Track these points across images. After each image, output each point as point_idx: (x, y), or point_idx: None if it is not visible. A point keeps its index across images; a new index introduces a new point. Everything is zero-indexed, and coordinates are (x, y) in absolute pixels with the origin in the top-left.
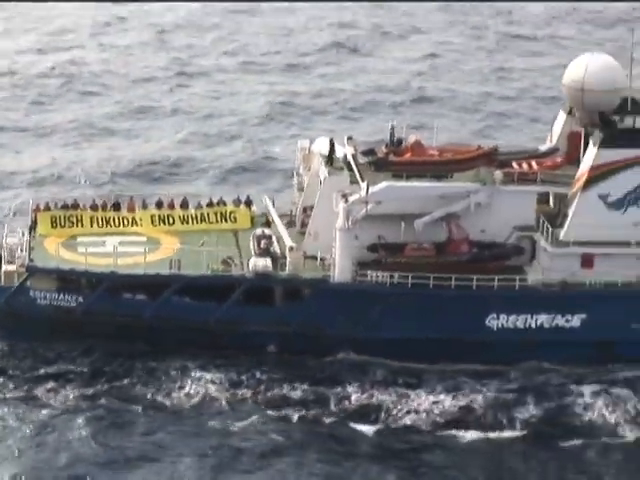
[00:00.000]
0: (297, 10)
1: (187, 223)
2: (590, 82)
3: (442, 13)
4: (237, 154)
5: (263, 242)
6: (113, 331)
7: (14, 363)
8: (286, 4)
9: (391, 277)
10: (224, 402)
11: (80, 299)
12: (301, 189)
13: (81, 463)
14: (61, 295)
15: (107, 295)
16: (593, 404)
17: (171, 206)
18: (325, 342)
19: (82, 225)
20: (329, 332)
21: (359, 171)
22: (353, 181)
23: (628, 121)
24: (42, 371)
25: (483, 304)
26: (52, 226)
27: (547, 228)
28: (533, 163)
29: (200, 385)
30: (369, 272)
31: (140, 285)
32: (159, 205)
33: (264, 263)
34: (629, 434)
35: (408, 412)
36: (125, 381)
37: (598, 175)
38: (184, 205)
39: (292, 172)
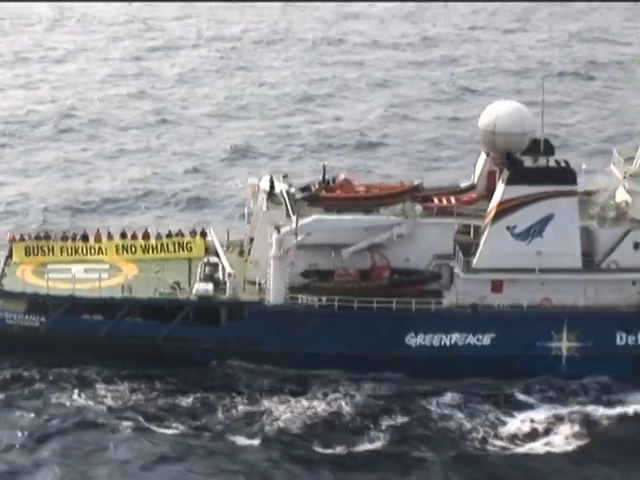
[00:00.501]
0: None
1: (147, 252)
2: (500, 126)
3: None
4: (196, 189)
5: (207, 269)
6: (72, 348)
7: None
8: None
9: (319, 300)
10: (111, 411)
11: (43, 319)
12: (250, 221)
13: None
14: (27, 316)
15: (67, 316)
16: (451, 415)
17: (134, 237)
18: (261, 357)
19: (53, 254)
20: (265, 348)
21: (291, 205)
22: (288, 214)
23: (542, 161)
24: None
25: (402, 324)
26: (26, 254)
27: (461, 257)
28: (452, 198)
29: (95, 395)
30: (300, 296)
31: (96, 307)
32: (123, 236)
33: (206, 287)
34: (485, 445)
35: (286, 417)
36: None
37: (506, 209)
38: (145, 236)
39: (244, 206)
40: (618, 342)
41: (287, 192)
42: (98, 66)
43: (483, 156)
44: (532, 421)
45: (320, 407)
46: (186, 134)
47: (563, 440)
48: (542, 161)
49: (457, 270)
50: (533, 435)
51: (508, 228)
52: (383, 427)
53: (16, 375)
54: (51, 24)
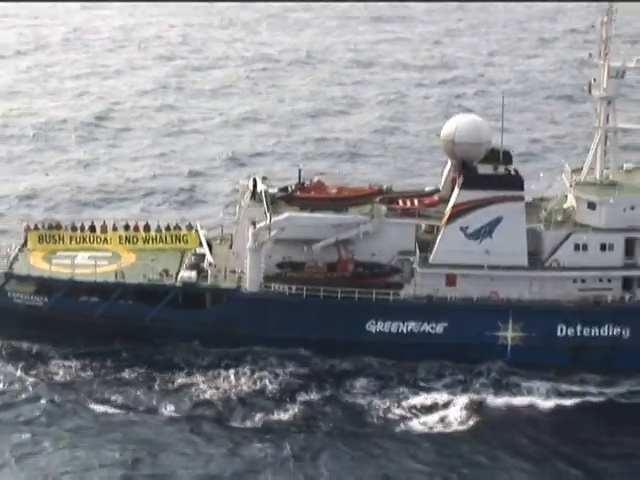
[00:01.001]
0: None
1: (147, 243)
2: (459, 136)
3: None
4: (197, 188)
5: (193, 258)
6: (70, 326)
7: None
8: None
9: (290, 289)
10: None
11: (46, 299)
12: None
13: None
14: (32, 296)
15: (66, 297)
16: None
17: (136, 229)
18: (237, 339)
19: (63, 242)
20: (240, 330)
21: (269, 204)
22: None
23: (501, 169)
24: None
25: (363, 312)
26: (39, 242)
27: (418, 253)
28: (415, 201)
29: (47, 371)
30: (272, 284)
31: (93, 290)
32: (127, 227)
33: (189, 274)
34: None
35: (212, 392)
36: None
37: (459, 211)
38: (147, 228)
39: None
40: (559, 334)
41: (266, 192)
42: (143, 81)
43: (449, 164)
44: (433, 401)
45: (246, 384)
46: (196, 142)
47: (457, 419)
48: (501, 169)
49: (415, 265)
50: (431, 411)
51: (461, 228)
52: (298, 402)
53: None
54: (115, 45)
